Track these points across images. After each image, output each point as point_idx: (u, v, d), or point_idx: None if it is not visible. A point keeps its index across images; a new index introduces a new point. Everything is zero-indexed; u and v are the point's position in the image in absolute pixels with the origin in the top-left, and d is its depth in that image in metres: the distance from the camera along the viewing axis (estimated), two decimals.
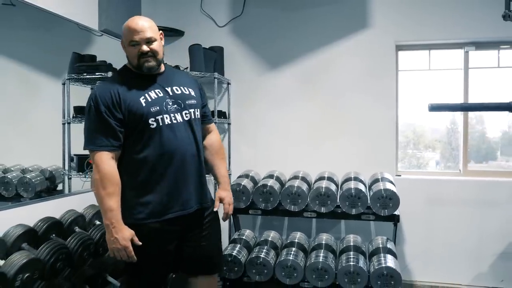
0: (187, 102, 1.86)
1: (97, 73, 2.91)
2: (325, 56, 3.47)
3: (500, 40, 3.27)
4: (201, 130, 1.98)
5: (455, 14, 3.24)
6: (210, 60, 3.27)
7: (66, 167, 2.92)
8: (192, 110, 1.87)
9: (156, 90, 1.81)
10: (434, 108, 1.87)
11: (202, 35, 3.52)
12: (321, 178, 3.03)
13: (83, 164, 2.98)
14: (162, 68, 1.92)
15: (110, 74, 2.92)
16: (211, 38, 3.54)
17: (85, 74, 2.89)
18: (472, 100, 3.34)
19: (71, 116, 2.92)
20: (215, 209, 2.00)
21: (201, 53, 3.20)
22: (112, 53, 3.15)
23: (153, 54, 1.79)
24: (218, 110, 3.34)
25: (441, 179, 3.34)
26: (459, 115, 3.43)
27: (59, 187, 2.88)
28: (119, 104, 1.72)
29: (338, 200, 2.80)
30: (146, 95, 1.78)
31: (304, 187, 2.85)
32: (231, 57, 3.56)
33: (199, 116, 1.92)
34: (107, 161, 1.70)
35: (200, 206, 1.91)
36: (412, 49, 3.48)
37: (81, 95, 3.08)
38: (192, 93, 1.91)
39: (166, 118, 1.78)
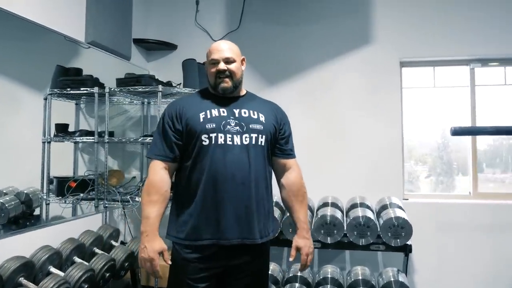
0: (250, 126, 1.73)
1: (82, 88, 2.70)
2: (326, 72, 3.30)
3: (507, 57, 3.15)
4: (277, 165, 1.85)
5: (460, 30, 3.13)
6: (204, 75, 3.04)
7: (45, 190, 2.66)
8: (254, 135, 1.72)
9: (221, 109, 1.74)
10: (457, 132, 1.68)
11: (197, 49, 3.30)
12: (324, 204, 2.81)
13: (63, 188, 2.74)
14: (241, 92, 1.85)
15: (96, 89, 2.71)
16: (204, 53, 3.33)
17: (69, 89, 2.67)
18: (480, 118, 3.20)
19: (51, 134, 2.68)
20: (290, 259, 1.83)
21: (195, 68, 2.99)
22: (99, 66, 2.99)
23: (230, 74, 1.75)
24: None
25: (451, 202, 3.15)
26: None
27: (37, 211, 2.61)
28: (180, 117, 1.73)
29: (345, 229, 2.56)
30: (208, 111, 1.72)
31: (308, 214, 2.61)
32: None
33: (263, 144, 1.75)
34: (158, 170, 1.71)
35: (241, 242, 1.69)
36: (417, 66, 3.34)
37: (64, 111, 2.89)
38: (261, 119, 1.76)
39: (221, 137, 1.68)
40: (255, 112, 1.76)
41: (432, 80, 3.34)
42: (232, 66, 1.74)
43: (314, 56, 3.31)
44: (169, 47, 3.38)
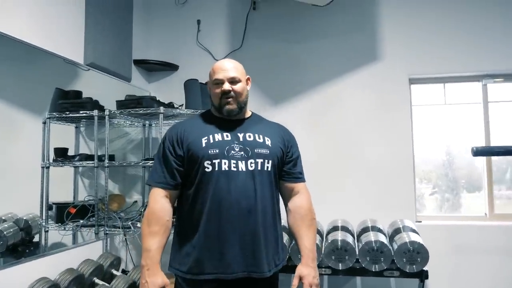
0: (256, 150, 1.63)
1: (81, 111, 2.62)
2: (333, 90, 3.21)
3: None
4: (285, 189, 1.75)
5: (471, 45, 3.05)
6: (207, 96, 2.96)
7: (44, 217, 2.56)
8: (260, 160, 1.62)
9: (225, 133, 1.64)
10: (479, 152, 1.58)
11: (199, 69, 3.23)
12: (334, 228, 2.68)
13: (62, 214, 2.64)
14: (247, 114, 1.76)
15: (95, 112, 2.64)
16: (207, 74, 3.26)
17: (68, 112, 2.60)
18: (494, 135, 3.08)
19: (50, 159, 2.59)
20: None
21: (198, 89, 2.91)
22: (99, 89, 2.93)
23: (236, 95, 1.65)
24: None
25: (466, 224, 3.01)
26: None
27: (36, 238, 2.53)
28: (182, 141, 1.63)
29: (357, 254, 2.43)
30: (211, 136, 1.63)
31: (317, 239, 2.49)
32: None
33: (269, 169, 1.64)
34: (158, 198, 1.61)
35: (247, 275, 1.57)
36: (426, 83, 3.24)
37: (64, 135, 2.81)
38: (267, 143, 1.67)
39: (225, 163, 1.58)
40: (261, 136, 1.66)
41: (442, 97, 3.24)
42: (237, 87, 1.65)
43: (320, 74, 3.23)
44: (171, 67, 3.32)
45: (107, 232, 2.72)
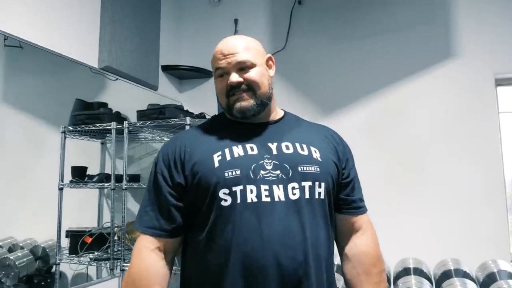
0: (299, 168, 1.08)
1: (98, 124, 2.28)
2: (396, 96, 2.63)
3: None
4: (342, 225, 1.20)
5: None
6: None
7: (57, 246, 2.25)
8: (307, 184, 1.07)
9: (249, 145, 1.11)
10: None
11: None
12: (405, 271, 2.09)
13: (77, 244, 2.30)
14: (276, 114, 1.22)
15: (113, 124, 2.29)
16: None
17: (83, 125, 2.28)
18: None
19: (66, 179, 2.31)
20: None
21: None
22: (125, 100, 2.61)
23: (249, 87, 1.12)
24: None
25: None
26: None
27: (54, 268, 2.25)
28: (182, 162, 1.10)
29: None
30: (227, 150, 1.09)
31: None
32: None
33: (322, 196, 1.10)
34: (145, 254, 1.07)
35: None
36: None
37: (89, 151, 2.56)
38: (316, 155, 1.12)
39: (251, 191, 1.04)
40: (304, 146, 1.12)
41: None
42: (251, 74, 1.11)
43: (380, 76, 2.67)
44: (205, 74, 2.91)
45: (123, 268, 2.31)
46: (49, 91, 2.28)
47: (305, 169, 1.08)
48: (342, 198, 1.17)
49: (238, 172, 1.04)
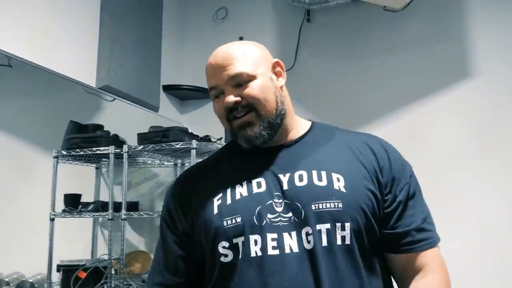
0: (313, 206, 0.84)
1: (94, 148, 2.11)
2: (413, 118, 2.48)
3: None
4: (395, 267, 0.92)
5: None
6: None
7: (47, 283, 2.08)
8: (324, 227, 0.83)
9: (257, 181, 0.90)
10: None
11: None
12: None
13: (69, 279, 2.11)
14: (297, 130, 0.99)
15: (112, 148, 2.12)
16: None
17: (78, 149, 2.12)
18: None
19: (58, 208, 2.16)
20: None
21: None
22: (123, 122, 2.47)
23: (250, 107, 0.90)
24: None
25: None
26: None
27: None
28: (182, 207, 0.95)
29: None
30: (229, 191, 0.90)
31: None
32: None
33: (348, 241, 0.84)
34: None
35: None
36: None
37: (80, 176, 2.42)
38: (338, 185, 0.86)
39: (255, 242, 0.84)
40: (323, 173, 0.87)
41: None
42: (249, 90, 0.90)
43: (394, 97, 2.52)
44: (207, 94, 2.75)
45: None
46: (40, 113, 2.14)
47: (320, 206, 0.83)
48: (387, 234, 0.88)
49: (239, 219, 0.85)
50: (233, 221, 0.85)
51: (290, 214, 0.84)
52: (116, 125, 2.36)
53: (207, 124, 2.65)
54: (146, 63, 2.38)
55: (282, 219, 0.84)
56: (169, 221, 0.96)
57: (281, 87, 0.96)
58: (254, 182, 0.89)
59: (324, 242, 0.81)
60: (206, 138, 2.24)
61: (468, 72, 2.44)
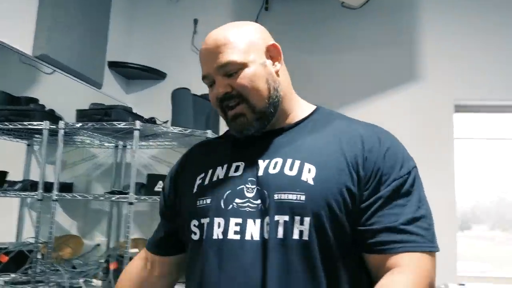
0: (276, 195, 0.81)
1: (26, 122, 1.93)
2: (357, 116, 2.52)
3: None
4: (371, 269, 0.81)
5: None
6: (201, 112, 2.29)
7: None
8: (283, 218, 0.79)
9: (236, 164, 0.89)
10: None
11: (192, 80, 2.52)
12: None
13: None
14: (297, 115, 0.94)
15: (46, 124, 1.96)
16: (204, 84, 2.58)
17: (7, 123, 1.93)
18: None
19: None
20: None
21: (189, 102, 2.23)
22: (64, 97, 2.28)
23: (241, 97, 0.86)
24: None
25: None
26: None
27: None
28: (177, 179, 1.00)
29: None
30: (210, 171, 0.91)
31: None
32: None
33: (306, 237, 0.78)
34: (134, 263, 1.07)
35: None
36: (475, 111, 2.62)
37: (8, 153, 2.19)
38: (307, 176, 0.81)
39: (218, 225, 0.83)
40: (297, 162, 0.83)
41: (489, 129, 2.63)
42: (239, 81, 0.85)
43: (341, 94, 2.57)
44: (157, 75, 2.63)
45: None
46: None
47: (282, 197, 0.79)
48: (359, 231, 0.80)
49: (208, 201, 0.86)
50: (204, 202, 0.86)
51: (259, 201, 0.81)
52: (53, 100, 2.18)
53: (153, 106, 2.55)
54: (91, 36, 2.22)
55: (250, 205, 0.82)
56: (165, 194, 1.02)
57: (276, 72, 0.92)
58: (233, 165, 0.88)
59: (280, 234, 0.78)
60: (151, 120, 2.14)
61: (414, 75, 2.53)
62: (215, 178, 0.88)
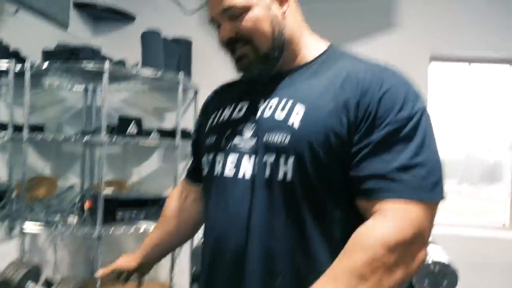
0: (265, 136, 0.83)
1: None
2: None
3: None
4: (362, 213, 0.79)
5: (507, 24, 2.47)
6: (172, 56, 2.27)
7: None
8: (270, 159, 0.81)
9: (241, 105, 0.93)
10: None
11: (162, 23, 2.48)
12: None
13: None
14: (306, 55, 0.91)
15: (12, 64, 1.91)
16: (175, 28, 2.52)
17: None
18: None
19: None
20: None
21: (160, 44, 2.20)
22: (29, 38, 2.18)
23: (246, 40, 0.86)
24: (181, 130, 2.29)
25: (483, 236, 2.52)
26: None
27: None
28: (201, 117, 1.08)
29: None
30: (219, 112, 0.96)
31: None
32: (202, 54, 2.52)
33: (290, 178, 0.80)
34: (174, 192, 1.17)
35: None
36: (450, 61, 2.67)
37: None
38: (294, 119, 0.81)
39: (219, 162, 0.90)
40: (289, 103, 0.83)
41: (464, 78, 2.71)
42: (244, 23, 0.85)
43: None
44: (125, 17, 2.55)
45: (24, 229, 2.01)
46: None
47: (270, 138, 0.82)
48: (350, 177, 0.78)
49: (213, 139, 0.93)
50: (211, 140, 0.93)
51: (253, 142, 0.85)
52: (18, 41, 2.10)
53: (123, 48, 2.49)
54: None
55: (247, 144, 0.86)
56: (198, 123, 1.08)
57: (283, 13, 0.88)
58: (238, 105, 0.92)
59: (267, 175, 0.81)
60: (121, 62, 2.11)
61: (391, 24, 2.53)
62: (221, 118, 0.94)
